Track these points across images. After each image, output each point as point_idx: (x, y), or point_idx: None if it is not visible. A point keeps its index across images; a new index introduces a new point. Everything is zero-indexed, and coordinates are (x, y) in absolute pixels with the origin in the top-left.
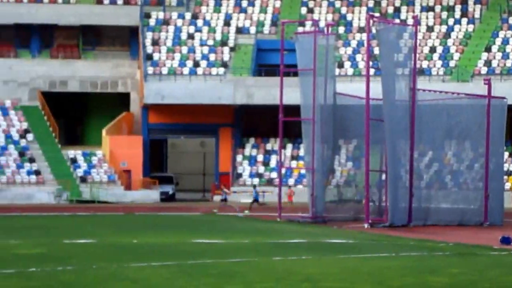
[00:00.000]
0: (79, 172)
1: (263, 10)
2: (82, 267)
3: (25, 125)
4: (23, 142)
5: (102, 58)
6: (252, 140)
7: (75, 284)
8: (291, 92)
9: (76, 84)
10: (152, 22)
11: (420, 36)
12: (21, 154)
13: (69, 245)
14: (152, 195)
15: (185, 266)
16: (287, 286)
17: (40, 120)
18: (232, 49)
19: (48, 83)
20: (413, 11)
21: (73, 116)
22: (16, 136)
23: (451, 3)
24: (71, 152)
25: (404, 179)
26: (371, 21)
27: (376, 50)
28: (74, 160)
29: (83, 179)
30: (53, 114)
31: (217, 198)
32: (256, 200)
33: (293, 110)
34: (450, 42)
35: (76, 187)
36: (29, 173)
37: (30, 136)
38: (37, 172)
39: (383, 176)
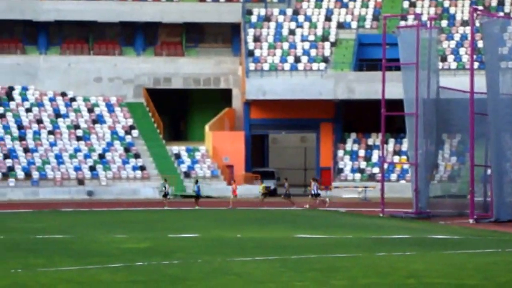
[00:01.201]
0: (183, 168)
1: (365, 4)
2: (187, 261)
3: (130, 121)
4: (128, 138)
5: (204, 55)
6: (353, 135)
7: (181, 278)
8: (392, 87)
9: (180, 80)
10: (254, 18)
11: None
12: (127, 150)
13: (174, 239)
14: (254, 190)
15: (288, 261)
16: (391, 282)
17: (145, 116)
18: (333, 44)
19: (153, 80)
20: None
21: (177, 112)
22: (121, 132)
23: None
24: (175, 148)
25: (509, 173)
26: (474, 15)
27: (480, 44)
28: (178, 156)
29: (187, 174)
30: (157, 111)
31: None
32: (198, 195)
33: (395, 105)
34: None
35: (180, 182)
36: (134, 168)
37: (135, 132)
38: (142, 168)
39: (488, 171)
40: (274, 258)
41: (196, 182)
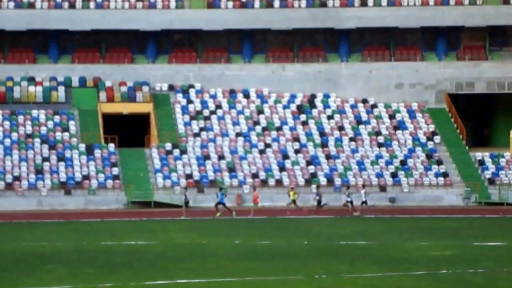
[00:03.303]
0: (487, 174)
1: None
2: (493, 270)
3: (432, 127)
4: (430, 145)
5: (509, 59)
6: None
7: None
8: None
9: (483, 85)
10: None
11: None
12: (429, 156)
13: (479, 248)
14: None
15: None
16: None
17: (447, 122)
18: None
19: (455, 85)
20: None
21: (480, 118)
22: (423, 139)
23: None
24: (478, 154)
25: None
26: None
27: None
28: (481, 162)
29: (491, 181)
30: (459, 116)
31: None
32: (220, 203)
33: None
34: None
35: (485, 189)
36: (436, 175)
37: (437, 139)
38: (445, 174)
39: None
40: None
41: (220, 189)
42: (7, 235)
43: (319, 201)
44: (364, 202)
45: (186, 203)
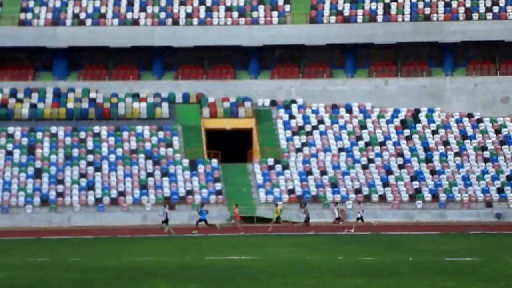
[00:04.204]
0: None
1: None
2: None
3: None
4: None
5: None
6: None
7: None
8: None
9: None
10: None
11: None
12: None
13: None
14: None
15: None
16: None
17: None
18: None
19: None
20: None
21: None
22: None
23: None
24: None
25: None
26: None
27: None
28: None
29: None
30: None
31: None
32: (202, 220)
33: None
34: None
35: None
36: None
37: None
38: None
39: None
40: None
41: (202, 206)
42: (111, 250)
43: (307, 218)
44: (360, 218)
45: (166, 220)
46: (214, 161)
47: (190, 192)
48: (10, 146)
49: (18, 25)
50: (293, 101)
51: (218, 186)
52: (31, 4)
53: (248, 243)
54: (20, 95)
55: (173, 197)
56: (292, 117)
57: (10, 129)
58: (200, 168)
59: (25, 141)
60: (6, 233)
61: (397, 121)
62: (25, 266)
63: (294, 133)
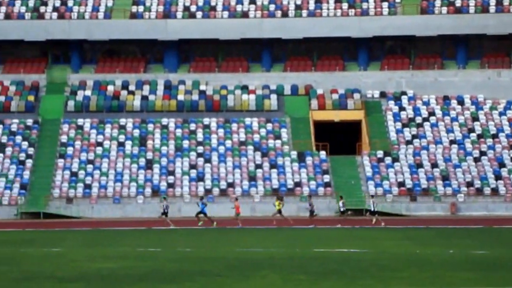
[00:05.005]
0: None
1: None
2: None
3: None
4: None
5: None
6: None
7: None
8: None
9: None
10: None
11: None
12: None
13: None
14: None
15: None
16: None
17: None
18: None
19: None
20: None
21: None
22: None
23: None
24: None
25: None
26: None
27: None
28: None
29: None
30: None
31: None
32: (202, 212)
33: None
34: None
35: None
36: None
37: None
38: None
39: None
40: None
41: (201, 199)
42: (220, 240)
43: (311, 211)
44: (373, 212)
45: (165, 213)
46: (323, 153)
47: (298, 184)
48: (122, 138)
49: (129, 18)
50: (403, 93)
51: (327, 178)
52: None
53: (356, 236)
54: (131, 87)
55: (281, 189)
56: (402, 109)
57: (122, 121)
58: (309, 160)
59: (136, 132)
60: (118, 223)
61: (510, 113)
62: (137, 256)
63: (404, 125)
